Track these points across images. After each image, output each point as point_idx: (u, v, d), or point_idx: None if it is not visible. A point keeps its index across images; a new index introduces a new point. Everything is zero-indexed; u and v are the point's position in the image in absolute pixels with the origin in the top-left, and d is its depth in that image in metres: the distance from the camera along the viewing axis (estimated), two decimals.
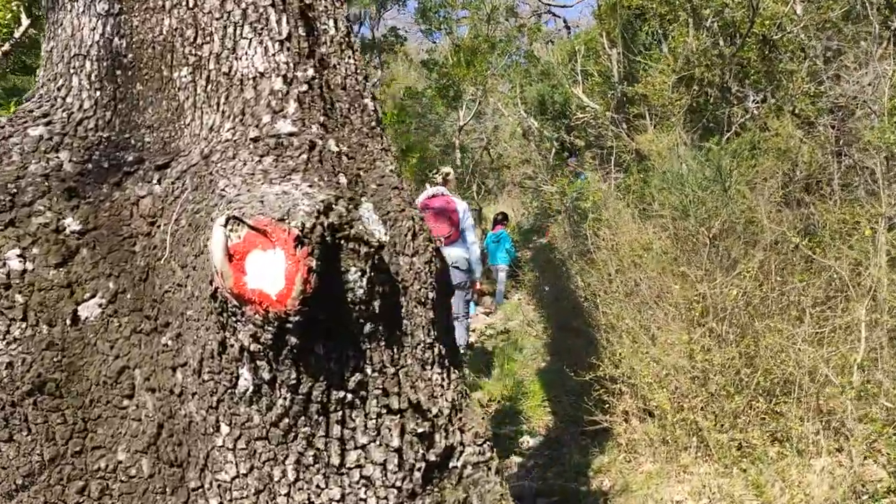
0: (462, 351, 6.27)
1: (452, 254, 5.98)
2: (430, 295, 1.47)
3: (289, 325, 1.16)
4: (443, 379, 1.46)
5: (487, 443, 1.49)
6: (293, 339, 1.18)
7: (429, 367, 1.44)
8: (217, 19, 1.46)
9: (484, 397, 6.06)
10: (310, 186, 1.31)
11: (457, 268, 6.00)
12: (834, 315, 4.19)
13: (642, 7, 8.64)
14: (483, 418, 1.53)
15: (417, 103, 13.88)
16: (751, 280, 4.32)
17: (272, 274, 1.15)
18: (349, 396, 1.25)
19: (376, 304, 1.32)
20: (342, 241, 1.27)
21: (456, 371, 1.53)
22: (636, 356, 4.68)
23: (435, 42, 14.07)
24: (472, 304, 9.92)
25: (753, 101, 7.01)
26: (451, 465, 1.39)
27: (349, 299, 1.27)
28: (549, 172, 9.75)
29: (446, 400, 1.44)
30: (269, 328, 1.16)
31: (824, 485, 3.69)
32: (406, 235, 1.47)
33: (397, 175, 1.58)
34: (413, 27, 14.56)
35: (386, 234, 1.44)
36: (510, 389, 5.86)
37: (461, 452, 1.43)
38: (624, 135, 7.13)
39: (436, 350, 1.46)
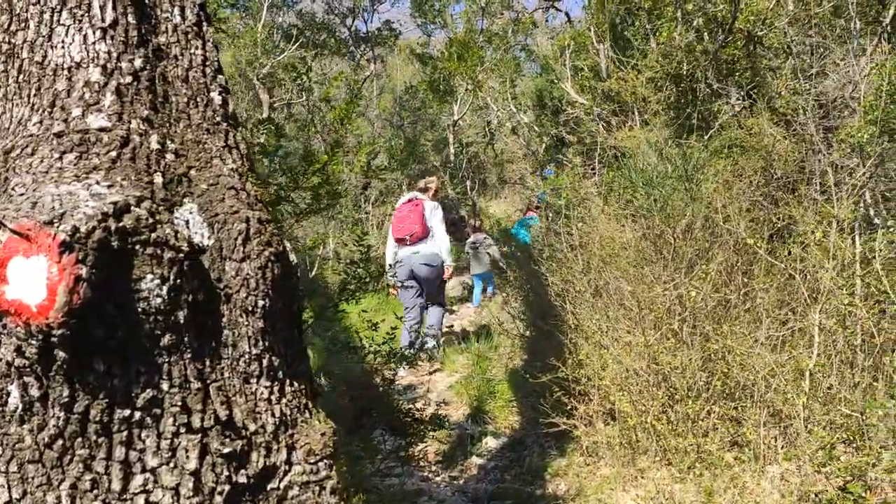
0: (434, 339, 6.59)
1: (424, 250, 6.54)
2: (261, 303, 1.38)
3: (54, 339, 1.07)
4: (271, 392, 1.37)
5: (325, 461, 1.40)
6: (62, 354, 1.08)
7: (253, 381, 1.34)
8: (33, 4, 1.36)
9: (453, 396, 5.98)
10: (109, 186, 1.22)
11: (426, 264, 6.53)
12: (795, 319, 4.08)
13: (630, 1, 8.51)
14: (323, 434, 1.43)
15: (414, 98, 13.78)
16: (710, 282, 4.21)
17: (34, 283, 1.06)
18: (138, 415, 1.16)
19: (181, 313, 1.23)
20: (138, 247, 1.18)
21: (295, 383, 1.44)
22: (599, 358, 4.58)
23: (430, 36, 13.95)
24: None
25: (736, 98, 6.87)
26: (269, 486, 1.30)
27: (142, 309, 1.17)
28: (537, 168, 9.64)
29: (273, 415, 1.35)
30: (33, 342, 1.07)
31: (775, 493, 3.58)
32: (236, 239, 1.37)
33: (239, 175, 1.48)
34: (407, 21, 14.44)
35: (209, 237, 1.35)
36: (479, 389, 5.76)
37: (286, 472, 1.33)
38: (603, 131, 7.00)
39: (264, 362, 1.37)
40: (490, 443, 5.06)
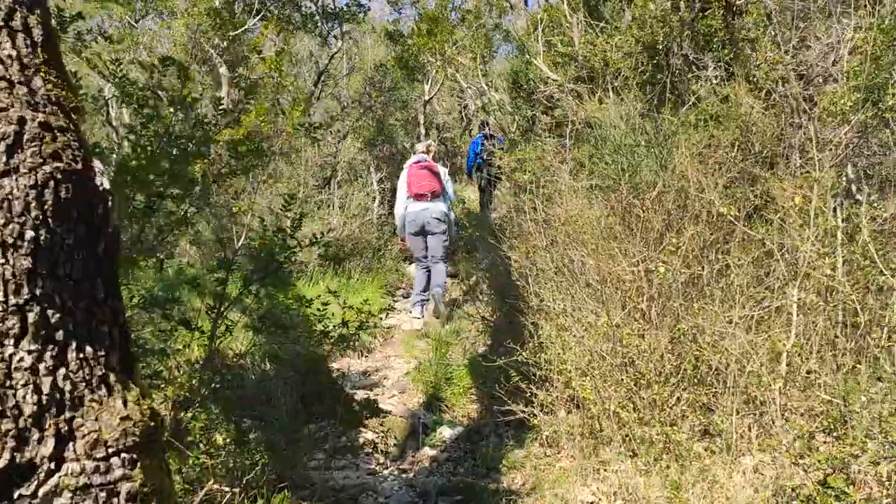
0: (441, 291, 7.22)
1: (436, 207, 7.29)
2: (30, 235, 0.98)
3: None
4: (39, 359, 0.97)
5: (123, 455, 1.00)
6: None
7: (8, 342, 0.94)
8: None
9: (410, 382, 5.61)
10: None
11: (437, 219, 7.26)
12: (772, 297, 3.74)
13: None
14: (126, 418, 1.04)
15: (385, 77, 13.35)
16: (681, 257, 3.85)
17: None
18: None
19: None
20: None
21: (89, 348, 1.04)
22: (561, 340, 4.22)
23: (400, 13, 13.50)
24: None
25: (713, 69, 6.53)
26: (18, 493, 0.90)
27: None
28: (508, 145, 9.27)
29: (37, 391, 0.95)
30: None
31: (748, 487, 3.25)
32: None
33: (21, 64, 1.08)
34: None
35: None
36: (436, 375, 5.39)
37: (51, 472, 0.94)
38: (573, 103, 6.64)
39: (31, 317, 0.97)
40: (445, 433, 4.70)
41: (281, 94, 8.08)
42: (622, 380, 3.87)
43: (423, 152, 7.73)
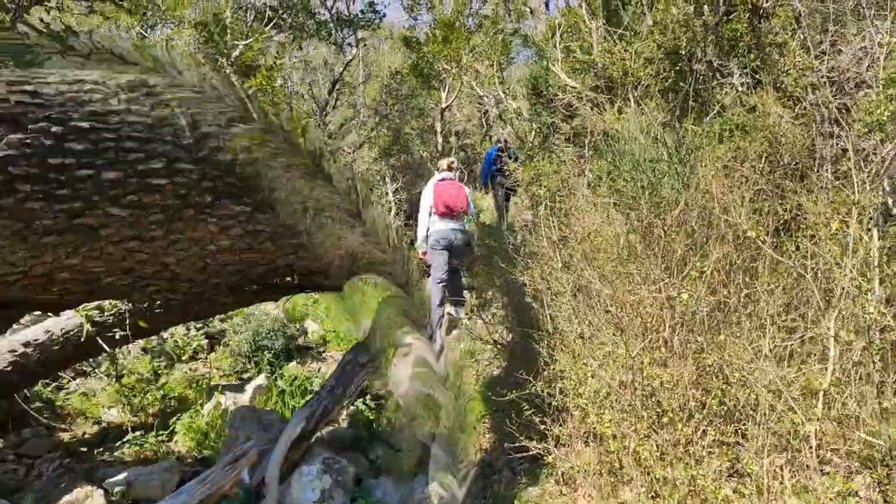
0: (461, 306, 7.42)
1: (463, 228, 7.33)
2: None
3: None
4: None
5: None
6: None
7: None
8: None
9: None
10: None
11: (464, 238, 7.30)
12: (805, 326, 3.44)
13: None
14: None
15: (401, 85, 13.16)
16: (705, 282, 3.57)
17: None
18: None
19: None
20: None
21: None
22: (576, 371, 3.95)
23: (416, 19, 13.29)
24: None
25: (739, 75, 6.23)
26: None
27: None
28: (525, 156, 9.02)
29: None
30: None
31: None
32: None
33: None
34: (394, 3, 13.79)
35: None
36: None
37: None
38: (592, 113, 6.37)
39: None
40: None
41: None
42: (643, 415, 3.60)
43: (446, 169, 7.70)
